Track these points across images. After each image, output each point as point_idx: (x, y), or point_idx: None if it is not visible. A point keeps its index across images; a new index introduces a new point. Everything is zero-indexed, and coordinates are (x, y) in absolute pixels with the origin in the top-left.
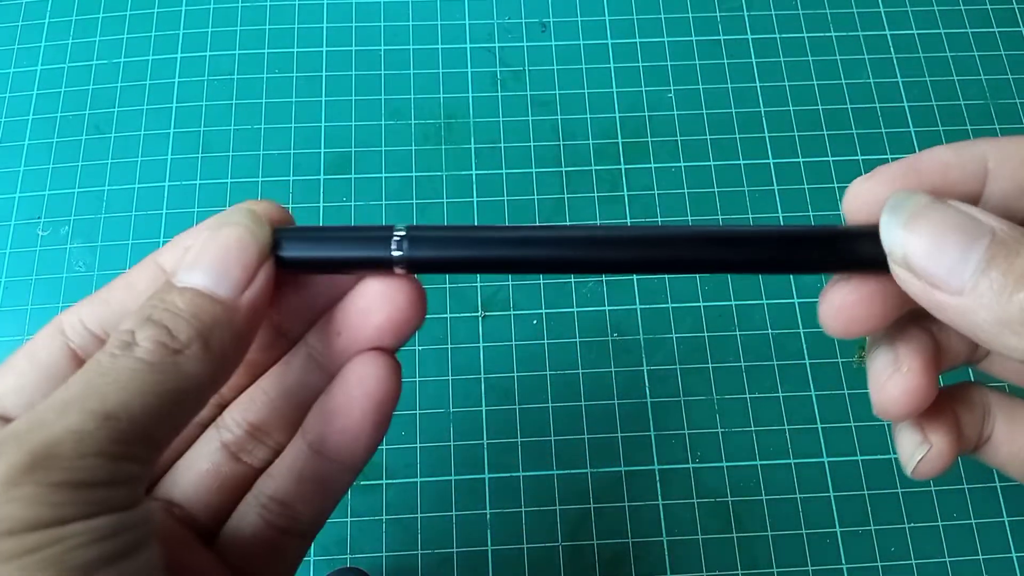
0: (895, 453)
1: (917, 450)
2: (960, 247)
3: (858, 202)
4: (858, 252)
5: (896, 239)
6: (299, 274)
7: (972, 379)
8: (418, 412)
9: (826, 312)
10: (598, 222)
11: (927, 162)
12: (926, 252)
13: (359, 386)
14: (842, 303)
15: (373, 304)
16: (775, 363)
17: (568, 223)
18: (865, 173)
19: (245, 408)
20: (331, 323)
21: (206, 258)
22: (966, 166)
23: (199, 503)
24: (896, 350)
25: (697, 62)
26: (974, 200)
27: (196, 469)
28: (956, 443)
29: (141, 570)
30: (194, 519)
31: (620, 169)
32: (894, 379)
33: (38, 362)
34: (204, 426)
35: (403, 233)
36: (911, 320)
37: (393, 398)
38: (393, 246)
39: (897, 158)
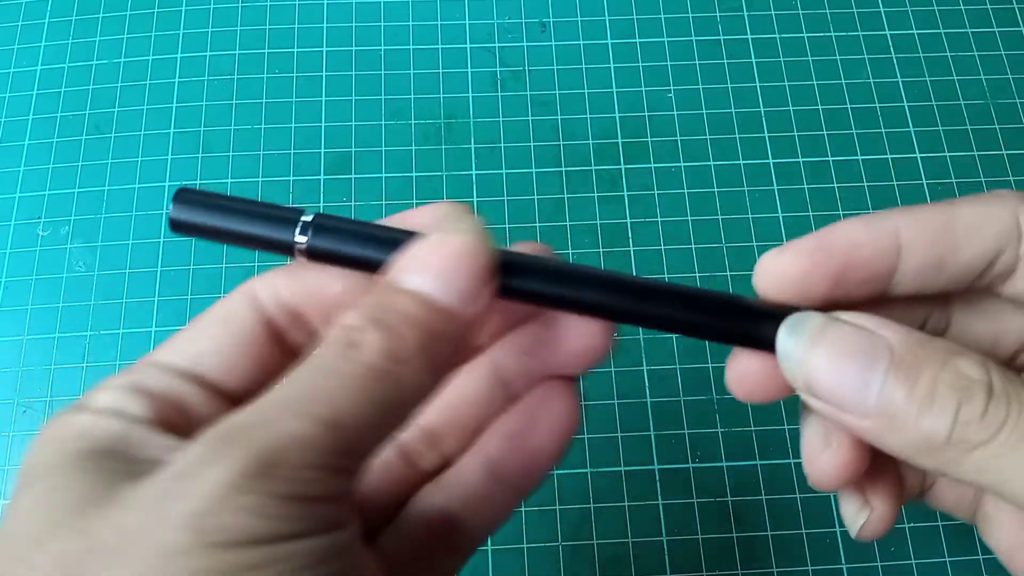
0: None
1: (858, 515)
2: (859, 370)
3: (768, 278)
4: (759, 335)
5: (796, 367)
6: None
7: None
8: None
9: (731, 379)
10: (598, 222)
11: (838, 239)
12: (826, 378)
13: (549, 415)
14: (745, 371)
15: (572, 330)
16: None
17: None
18: (816, 230)
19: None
20: (523, 343)
21: (436, 262)
22: (878, 242)
23: (369, 504)
24: (825, 423)
25: (697, 62)
26: (886, 278)
27: (371, 469)
28: (898, 501)
29: None
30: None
31: (620, 169)
32: (824, 455)
33: (233, 328)
34: None
35: (309, 219)
36: None
37: (575, 428)
38: (298, 230)
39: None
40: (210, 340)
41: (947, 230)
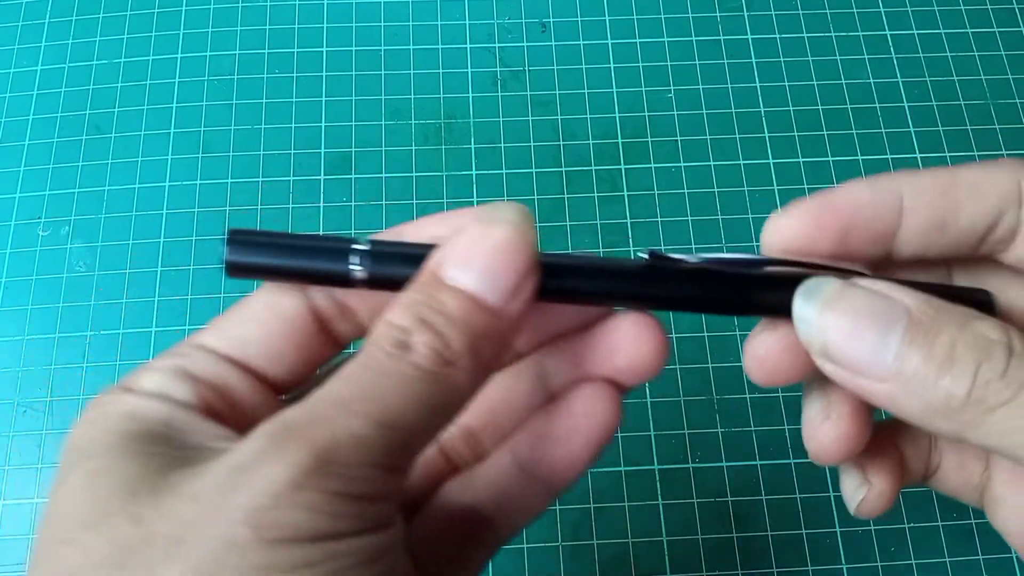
0: None
1: (857, 491)
2: (877, 333)
3: (776, 238)
4: (777, 301)
5: (812, 332)
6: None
7: None
8: None
9: (750, 362)
10: (598, 222)
11: (842, 199)
12: (844, 342)
13: (587, 417)
14: (765, 354)
15: (622, 344)
16: None
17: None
18: (828, 187)
19: (466, 413)
20: (571, 350)
21: (478, 258)
22: (880, 202)
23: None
24: (827, 396)
25: (697, 62)
26: (889, 239)
27: None
28: (898, 481)
29: None
30: None
31: (620, 169)
32: (824, 426)
33: (282, 316)
34: None
35: (366, 247)
36: None
37: (612, 433)
38: (353, 261)
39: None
40: (258, 327)
41: (949, 191)
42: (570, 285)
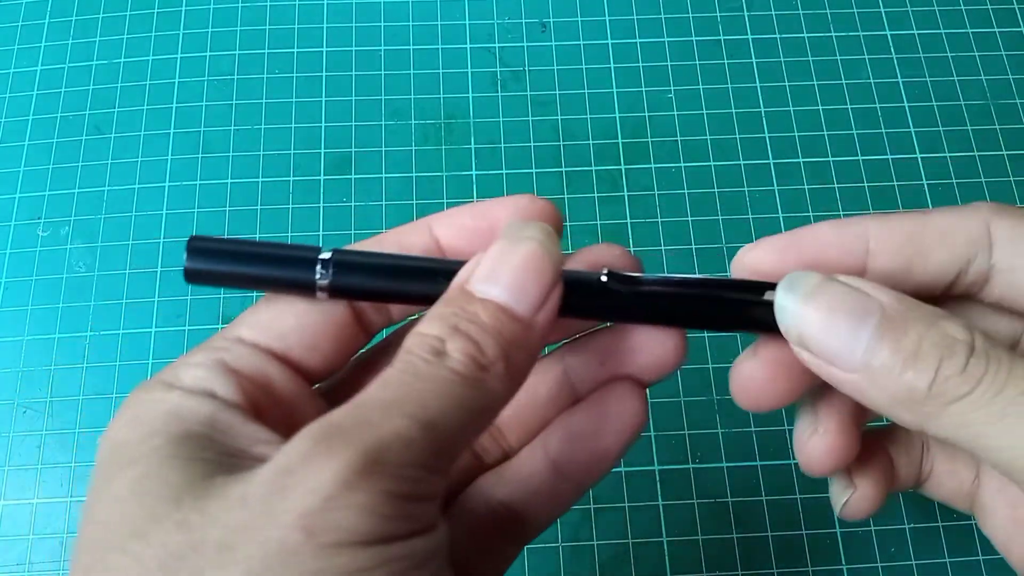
0: None
1: (842, 494)
2: (851, 325)
3: (742, 270)
4: (756, 317)
5: (791, 320)
6: None
7: None
8: None
9: (735, 388)
10: (598, 222)
11: (808, 239)
12: (820, 332)
13: (617, 416)
14: (750, 379)
15: (646, 343)
16: None
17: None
18: (763, 239)
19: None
20: (595, 348)
21: (506, 272)
22: (846, 244)
23: None
24: (816, 410)
25: (697, 62)
26: (856, 277)
27: None
28: (884, 486)
29: None
30: None
31: (620, 169)
32: (813, 440)
33: (320, 305)
34: None
35: (327, 256)
36: None
37: (641, 430)
38: (318, 269)
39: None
40: (295, 317)
41: (917, 237)
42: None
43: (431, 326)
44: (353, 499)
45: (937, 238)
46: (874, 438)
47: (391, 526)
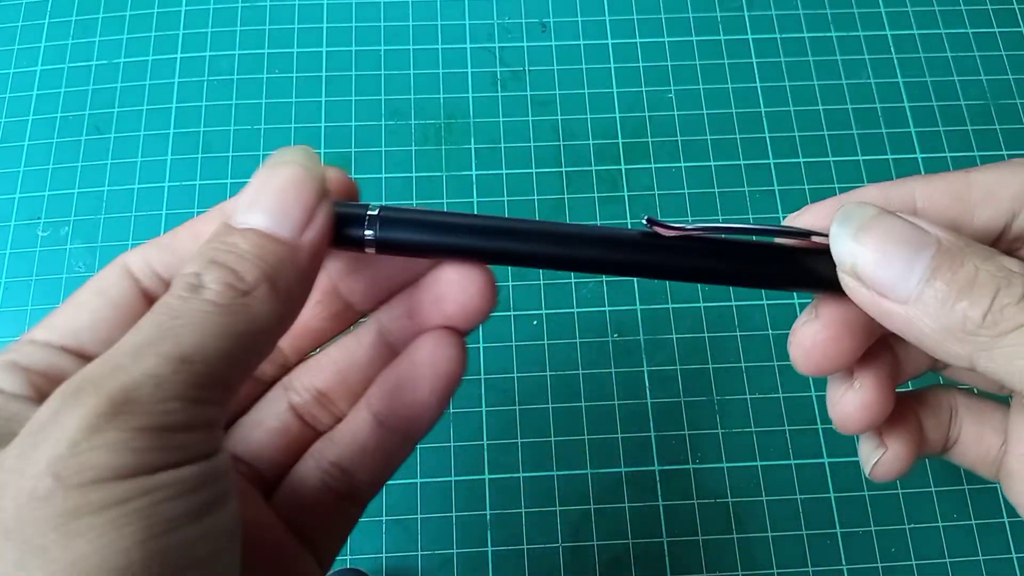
0: None
1: (873, 454)
2: (906, 257)
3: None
4: (811, 270)
5: (845, 249)
6: (358, 252)
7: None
8: None
9: (796, 353)
10: (598, 222)
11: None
12: (874, 262)
13: (429, 363)
14: (812, 343)
15: (447, 292)
16: (775, 364)
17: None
18: (852, 189)
19: (314, 375)
20: (404, 304)
21: (264, 198)
22: (894, 205)
23: (264, 460)
24: (853, 367)
25: (697, 62)
26: None
27: (265, 427)
28: (915, 448)
29: (224, 527)
30: (257, 475)
31: (620, 169)
32: (848, 395)
33: (110, 299)
34: (265, 384)
35: (375, 213)
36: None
37: (458, 376)
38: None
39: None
40: (88, 313)
41: (962, 195)
42: (411, 239)
43: (191, 264)
44: (100, 439)
45: (982, 195)
46: (904, 401)
47: (148, 458)
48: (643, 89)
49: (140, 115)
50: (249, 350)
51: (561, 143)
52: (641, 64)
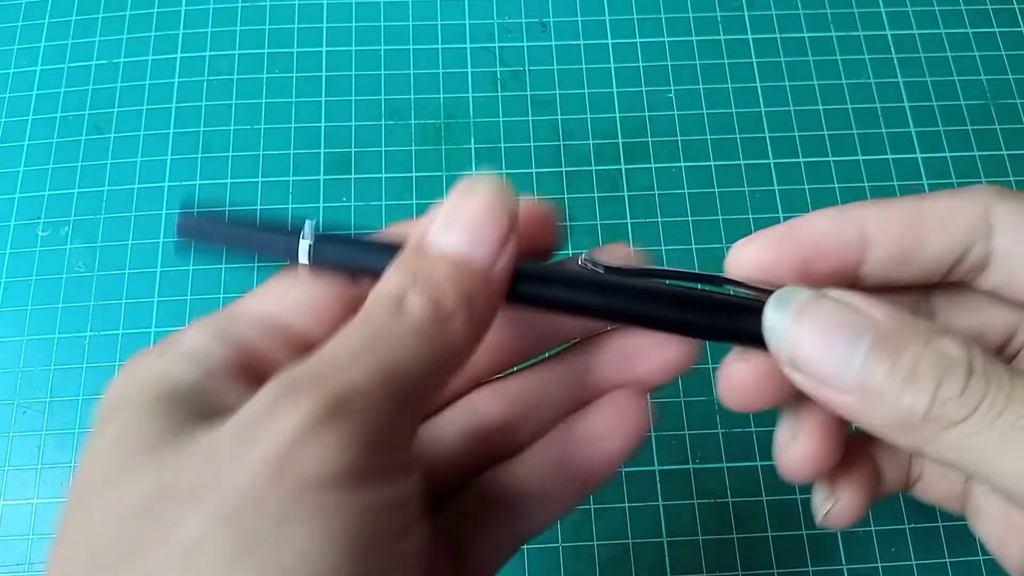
0: None
1: (824, 504)
2: (844, 345)
3: (738, 266)
4: (745, 329)
5: (782, 341)
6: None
7: None
8: None
9: (723, 389)
10: (598, 222)
11: (804, 229)
12: (811, 352)
13: (622, 422)
14: (739, 381)
15: (649, 349)
16: None
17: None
18: (751, 232)
19: (506, 402)
20: (601, 351)
21: (461, 222)
22: (843, 234)
23: (438, 474)
24: (797, 414)
25: (697, 62)
26: (853, 269)
27: (446, 440)
28: (868, 494)
29: (416, 549)
30: (430, 488)
31: (620, 169)
32: (792, 445)
33: (324, 281)
34: (448, 399)
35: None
36: None
37: (643, 436)
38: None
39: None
40: (301, 290)
41: (915, 223)
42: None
43: (390, 281)
44: (318, 442)
45: (936, 224)
46: (859, 442)
47: (358, 470)
48: (643, 89)
49: (140, 115)
50: (444, 371)
51: (561, 143)
52: (641, 64)
